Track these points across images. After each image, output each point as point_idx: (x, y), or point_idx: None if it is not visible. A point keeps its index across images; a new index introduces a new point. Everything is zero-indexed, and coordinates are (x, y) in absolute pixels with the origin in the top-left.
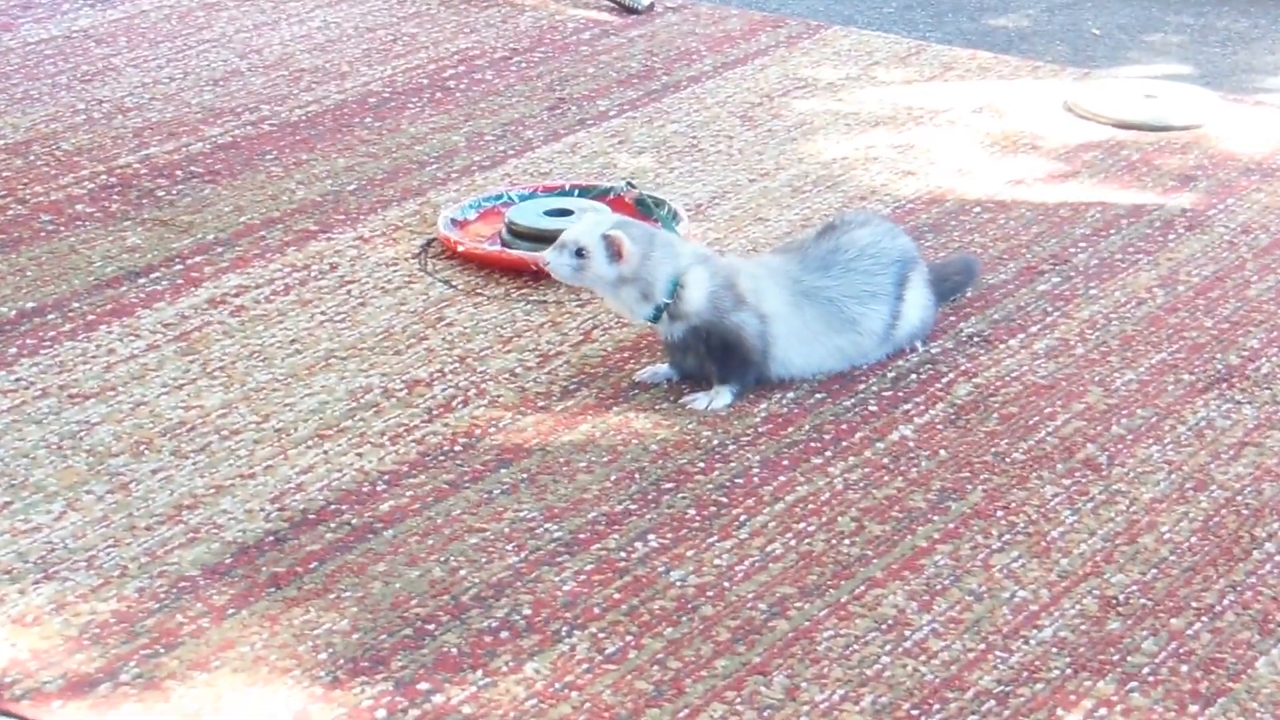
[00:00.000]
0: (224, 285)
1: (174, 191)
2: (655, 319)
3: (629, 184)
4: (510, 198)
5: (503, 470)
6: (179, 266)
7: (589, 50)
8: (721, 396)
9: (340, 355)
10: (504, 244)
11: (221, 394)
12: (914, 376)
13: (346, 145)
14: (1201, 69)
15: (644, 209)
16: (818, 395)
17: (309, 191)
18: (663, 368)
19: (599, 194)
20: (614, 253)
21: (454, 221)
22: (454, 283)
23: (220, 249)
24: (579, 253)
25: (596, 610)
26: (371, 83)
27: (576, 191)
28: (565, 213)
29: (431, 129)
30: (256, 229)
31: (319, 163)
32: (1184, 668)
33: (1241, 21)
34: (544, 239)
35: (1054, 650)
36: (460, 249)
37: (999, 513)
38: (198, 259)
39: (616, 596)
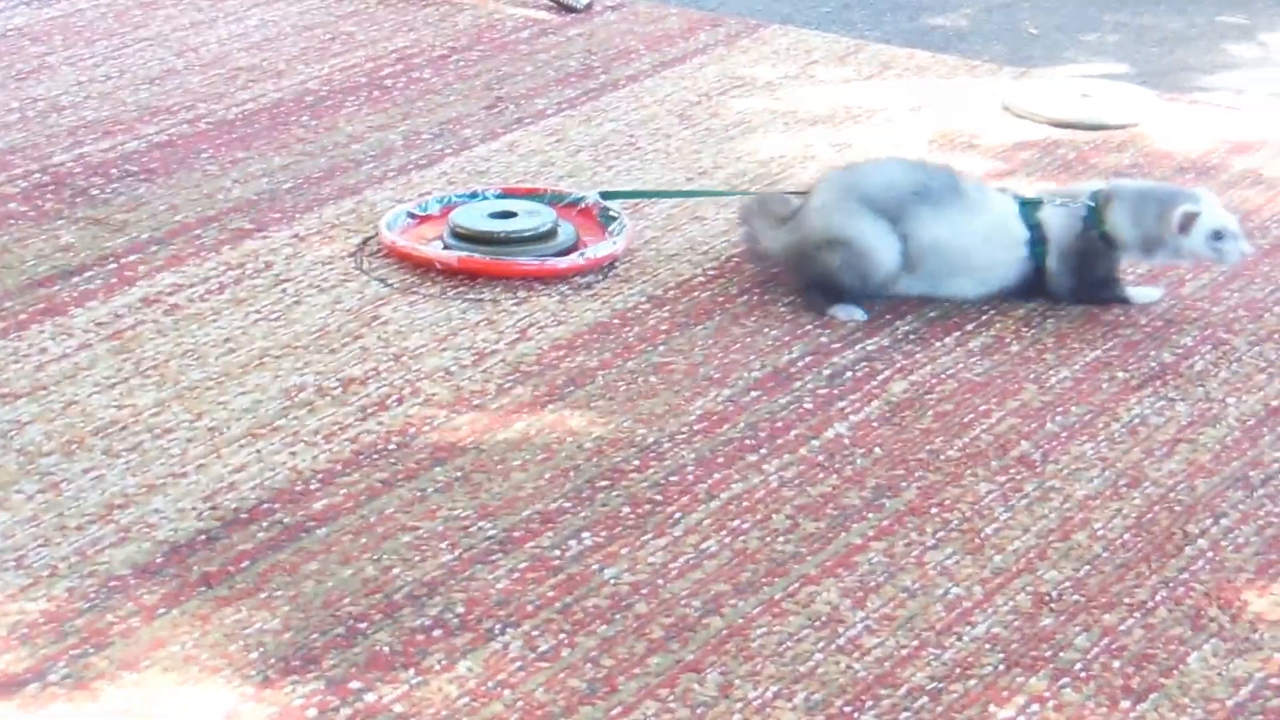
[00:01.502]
0: (158, 284)
1: (108, 190)
2: None
3: (601, 195)
4: (486, 196)
5: (437, 468)
6: (113, 265)
7: (527, 49)
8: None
9: (274, 354)
10: (446, 245)
11: (154, 393)
12: (849, 374)
13: (283, 144)
14: (1138, 68)
15: (605, 219)
16: (753, 393)
17: (244, 190)
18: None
19: (570, 202)
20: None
21: (412, 215)
22: (390, 281)
23: (155, 248)
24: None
25: (530, 608)
26: (308, 81)
27: (550, 196)
28: (509, 214)
29: (368, 128)
30: (191, 227)
31: (255, 161)
32: (1116, 663)
33: (1177, 21)
34: (486, 240)
35: (987, 647)
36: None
37: (933, 510)
38: (132, 258)
39: (550, 594)
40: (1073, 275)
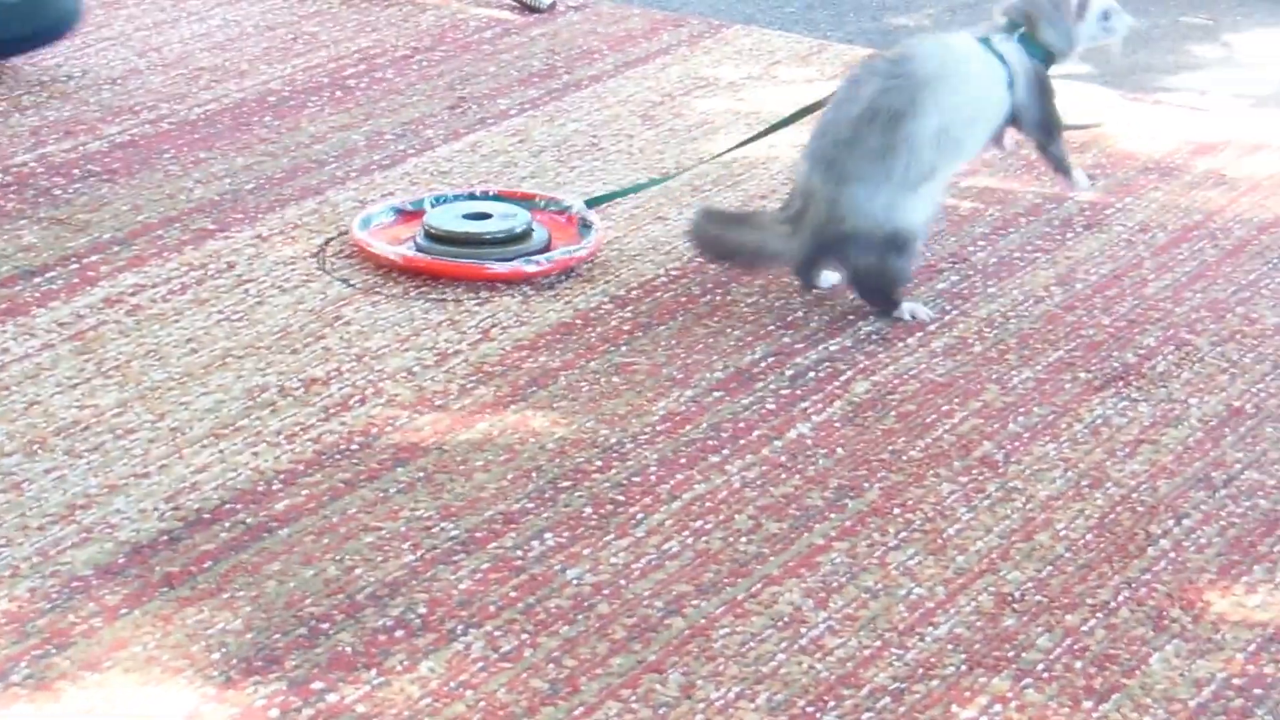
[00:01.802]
0: (120, 284)
1: (70, 190)
2: None
3: (587, 203)
4: (476, 196)
5: (399, 469)
6: (75, 265)
7: (490, 49)
8: None
9: (237, 354)
10: (419, 247)
11: (117, 393)
12: (812, 374)
13: (245, 144)
14: (1101, 68)
15: (584, 229)
16: (715, 394)
17: (207, 190)
18: None
19: (560, 209)
20: None
21: (398, 210)
22: (352, 281)
23: (117, 248)
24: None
25: (492, 609)
26: (271, 81)
27: (542, 203)
28: (484, 216)
29: (331, 128)
30: (154, 228)
31: (217, 161)
32: (1078, 664)
33: (1141, 21)
34: (460, 242)
35: (949, 647)
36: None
37: (896, 510)
38: (94, 258)
39: (512, 595)
40: (1037, 104)
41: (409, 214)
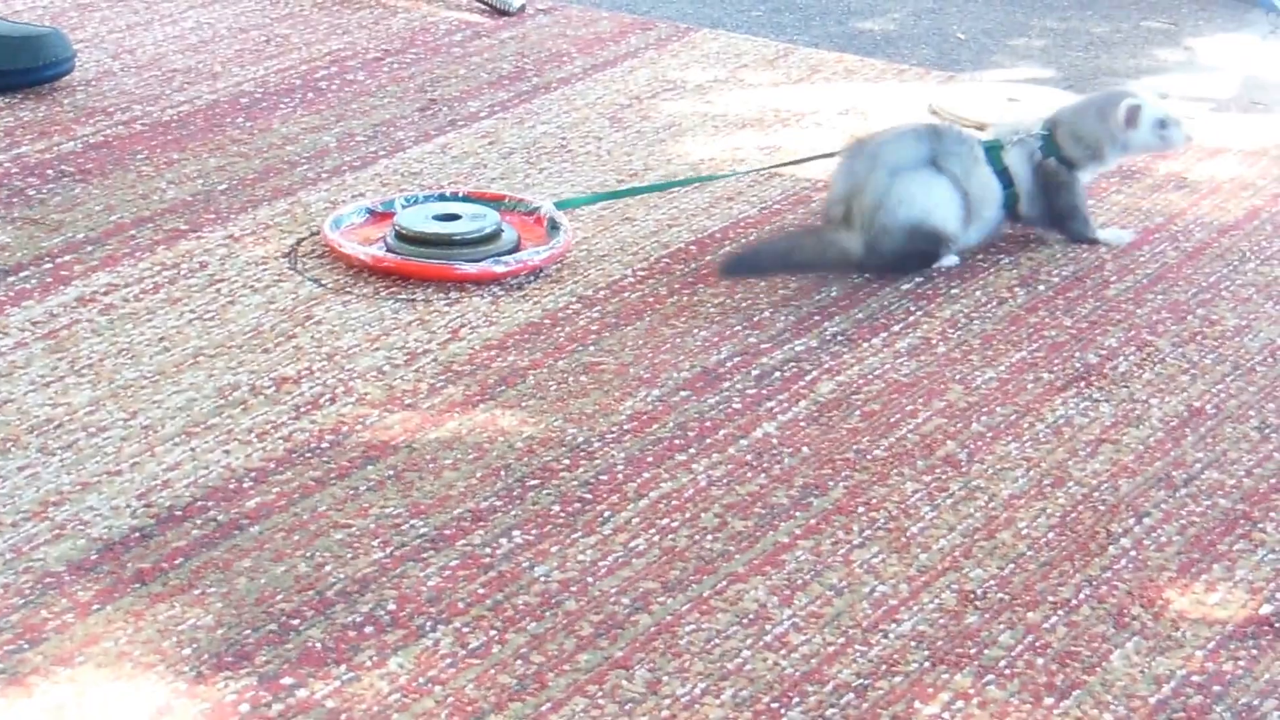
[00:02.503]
0: (93, 283)
1: (44, 190)
2: None
3: (556, 205)
4: (448, 197)
5: (369, 467)
6: (48, 265)
7: (460, 52)
8: None
9: (209, 353)
10: (389, 248)
11: (89, 391)
12: (778, 374)
13: (218, 145)
14: (1064, 72)
15: (553, 230)
16: (682, 393)
17: (180, 191)
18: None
19: (527, 210)
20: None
21: (370, 211)
22: (323, 281)
23: (90, 248)
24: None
25: (461, 605)
26: (243, 83)
27: (510, 203)
28: (454, 217)
29: (303, 129)
30: (127, 228)
31: (190, 162)
32: (1040, 660)
33: (1103, 26)
34: (430, 243)
35: (913, 644)
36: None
37: (860, 509)
38: (67, 257)
39: (481, 592)
40: (1041, 204)
41: (380, 215)
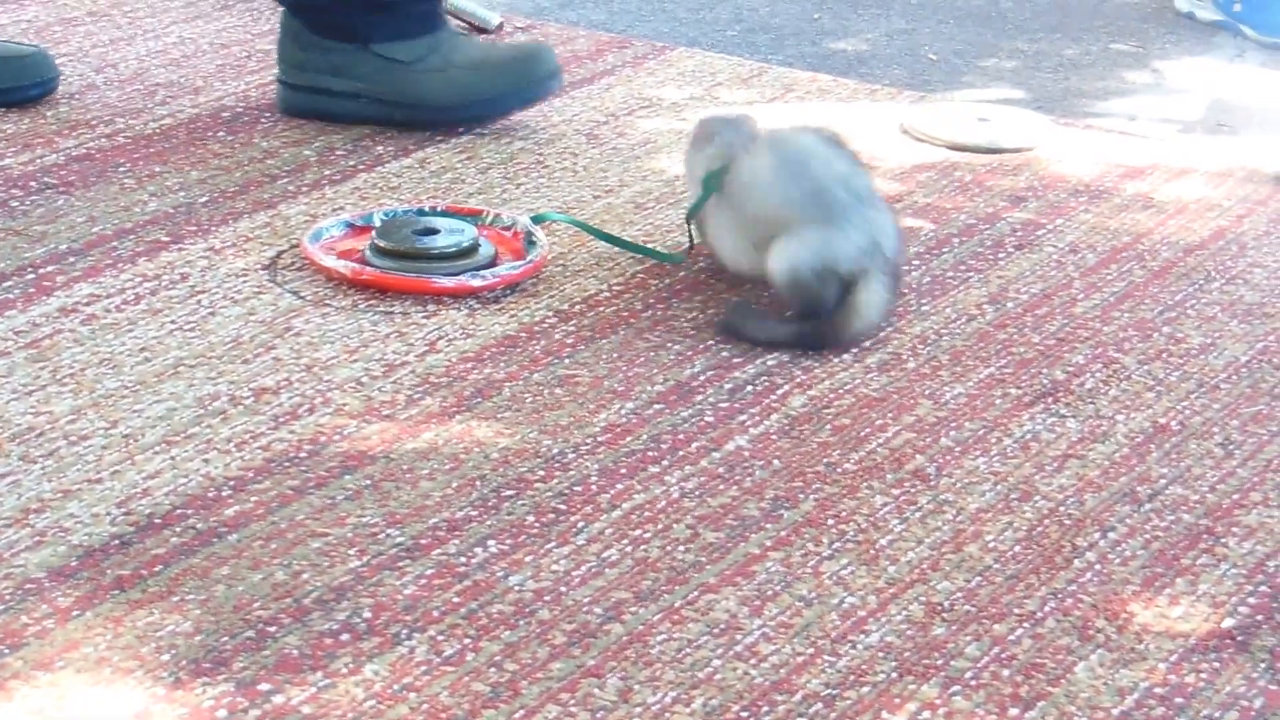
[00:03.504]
0: (76, 294)
1: (28, 202)
2: None
3: (535, 218)
4: (424, 211)
5: (347, 477)
6: (31, 275)
7: None
8: None
9: (189, 363)
10: (365, 261)
11: (71, 400)
12: (750, 388)
13: (199, 159)
14: (1034, 93)
15: (529, 244)
16: (656, 406)
17: (161, 203)
18: None
19: (504, 225)
20: None
21: (348, 224)
22: (303, 293)
23: (73, 259)
24: None
25: (436, 614)
26: (225, 98)
27: (490, 217)
28: (432, 232)
29: (283, 143)
30: (109, 239)
31: (172, 175)
32: (1005, 672)
33: (1072, 48)
34: (408, 256)
35: (880, 655)
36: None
37: (830, 521)
38: (50, 268)
39: (456, 600)
40: None
41: (359, 228)
